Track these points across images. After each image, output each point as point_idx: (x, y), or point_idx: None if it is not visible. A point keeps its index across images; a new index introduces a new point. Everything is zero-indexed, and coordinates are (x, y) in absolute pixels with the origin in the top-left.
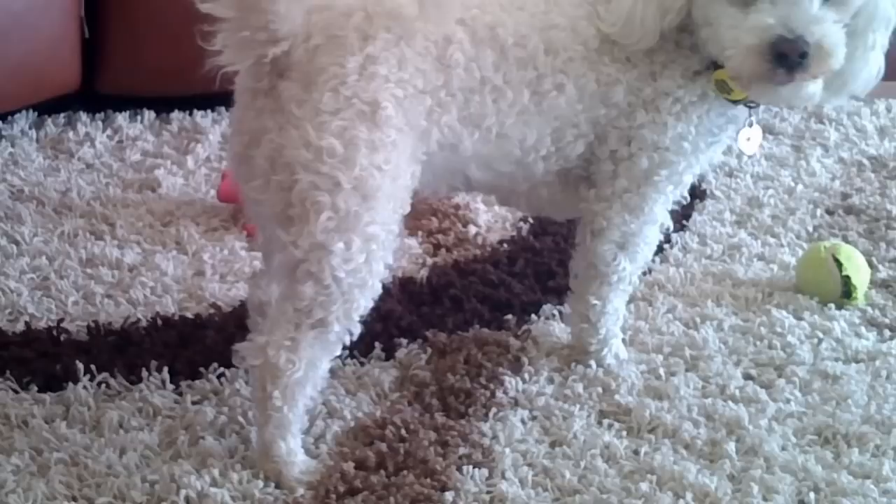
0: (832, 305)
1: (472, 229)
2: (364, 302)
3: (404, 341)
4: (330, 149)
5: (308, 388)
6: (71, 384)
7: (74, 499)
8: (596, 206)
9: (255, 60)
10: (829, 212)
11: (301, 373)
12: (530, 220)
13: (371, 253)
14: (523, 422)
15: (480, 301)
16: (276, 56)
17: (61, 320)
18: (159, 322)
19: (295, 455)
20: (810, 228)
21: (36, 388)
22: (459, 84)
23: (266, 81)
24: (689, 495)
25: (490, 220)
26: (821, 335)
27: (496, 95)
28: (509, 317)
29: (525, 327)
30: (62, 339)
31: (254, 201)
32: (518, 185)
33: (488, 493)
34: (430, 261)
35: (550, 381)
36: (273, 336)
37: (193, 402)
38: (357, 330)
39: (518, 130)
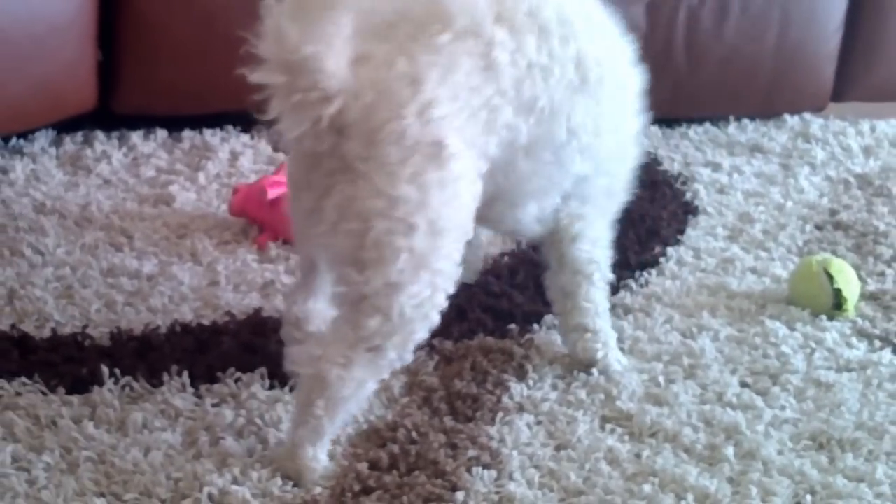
0: (824, 317)
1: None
2: (422, 334)
3: None
4: (405, 197)
5: (352, 405)
6: (96, 387)
7: (103, 495)
8: (581, 209)
9: (313, 123)
10: (819, 227)
11: (349, 391)
12: None
13: (435, 286)
14: (529, 426)
15: (484, 311)
16: (332, 115)
17: (85, 326)
18: (178, 329)
19: (318, 462)
20: (800, 243)
21: (63, 391)
22: (509, 81)
23: (327, 143)
24: (690, 497)
25: (490, 234)
26: (814, 345)
27: (544, 74)
28: (512, 326)
29: (528, 336)
30: (86, 344)
31: (315, 244)
32: (546, 183)
33: (497, 493)
34: None
35: (554, 387)
36: (328, 350)
37: (213, 405)
38: (409, 358)
39: (566, 105)
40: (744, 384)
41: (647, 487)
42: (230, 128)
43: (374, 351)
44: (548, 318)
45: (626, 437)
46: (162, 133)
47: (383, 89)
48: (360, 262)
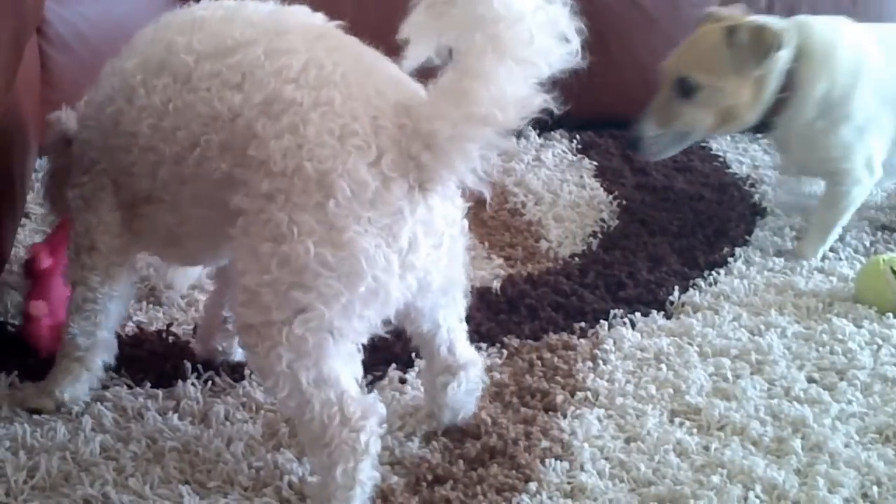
0: (890, 314)
1: (544, 244)
2: None
3: (483, 345)
4: None
5: None
6: (180, 381)
7: (187, 482)
8: None
9: None
10: (885, 228)
11: None
12: (600, 236)
13: None
14: (599, 419)
15: (554, 309)
16: None
17: (170, 325)
18: None
19: None
20: (867, 244)
21: (149, 385)
22: None
23: None
24: (758, 487)
25: (560, 236)
26: (880, 342)
27: None
28: (582, 324)
29: (598, 333)
30: (171, 341)
31: None
32: None
33: (569, 483)
34: (503, 273)
35: (624, 382)
36: None
37: None
38: None
39: None
40: (811, 379)
41: (715, 478)
42: None
43: None
44: (618, 316)
45: (695, 430)
46: None
47: None
48: None
